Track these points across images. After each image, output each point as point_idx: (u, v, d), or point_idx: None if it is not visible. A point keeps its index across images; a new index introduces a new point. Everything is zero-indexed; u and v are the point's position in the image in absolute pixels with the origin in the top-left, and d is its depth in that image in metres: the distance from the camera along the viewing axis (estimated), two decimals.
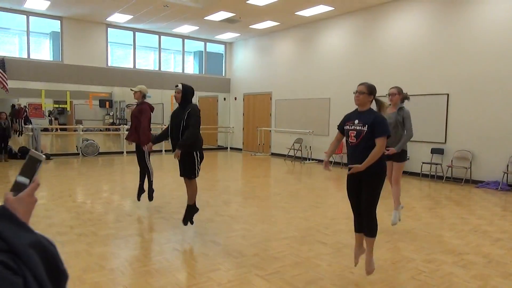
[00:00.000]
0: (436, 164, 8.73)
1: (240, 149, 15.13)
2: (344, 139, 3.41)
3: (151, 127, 5.70)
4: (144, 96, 5.68)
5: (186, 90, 4.30)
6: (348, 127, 3.25)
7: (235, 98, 15.33)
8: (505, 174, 7.76)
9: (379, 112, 3.30)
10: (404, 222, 5.08)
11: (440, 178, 8.82)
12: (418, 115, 9.06)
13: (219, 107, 15.90)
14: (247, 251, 4.00)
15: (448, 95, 8.71)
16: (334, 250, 4.08)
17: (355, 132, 3.17)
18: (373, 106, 3.41)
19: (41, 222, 4.89)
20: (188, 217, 4.57)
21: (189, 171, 4.35)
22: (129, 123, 6.11)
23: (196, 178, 4.47)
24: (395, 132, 4.56)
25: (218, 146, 16.00)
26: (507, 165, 7.78)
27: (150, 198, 5.80)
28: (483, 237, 4.62)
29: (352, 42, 10.80)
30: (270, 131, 13.67)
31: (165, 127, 4.59)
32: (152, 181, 5.81)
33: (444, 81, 8.79)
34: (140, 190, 5.83)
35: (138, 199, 5.85)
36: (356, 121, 3.20)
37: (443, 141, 8.84)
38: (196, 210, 4.63)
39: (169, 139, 4.46)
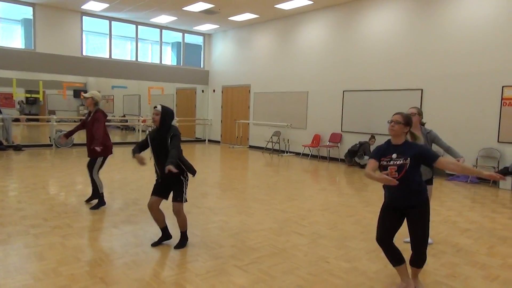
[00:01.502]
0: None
1: (218, 142, 15.10)
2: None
3: (108, 135, 5.33)
4: (96, 103, 5.22)
5: (165, 113, 3.88)
6: (385, 162, 2.97)
7: (214, 91, 15.25)
8: (474, 168, 8.06)
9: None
10: (377, 214, 5.21)
11: None
12: (393, 110, 9.24)
13: (197, 99, 15.79)
14: (225, 242, 4.03)
15: (422, 90, 8.94)
16: (310, 241, 4.16)
17: (396, 167, 2.91)
18: None
19: (13, 215, 4.77)
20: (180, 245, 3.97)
21: (179, 193, 3.93)
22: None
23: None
24: None
25: (196, 138, 15.92)
26: (477, 159, 8.08)
27: (96, 207, 5.23)
28: (452, 228, 4.80)
29: (330, 37, 10.91)
30: (248, 123, 13.69)
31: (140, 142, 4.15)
32: (102, 192, 5.30)
33: (418, 77, 9.01)
34: (100, 202, 5.31)
35: (96, 207, 5.25)
36: (395, 155, 2.93)
37: None
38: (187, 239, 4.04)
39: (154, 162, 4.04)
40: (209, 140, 15.40)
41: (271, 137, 12.36)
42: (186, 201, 3.95)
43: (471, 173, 2.84)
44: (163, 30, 14.26)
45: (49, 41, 11.91)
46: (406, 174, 2.87)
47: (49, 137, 12.28)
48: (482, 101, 8.03)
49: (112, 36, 13.27)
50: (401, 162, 2.89)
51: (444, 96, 8.60)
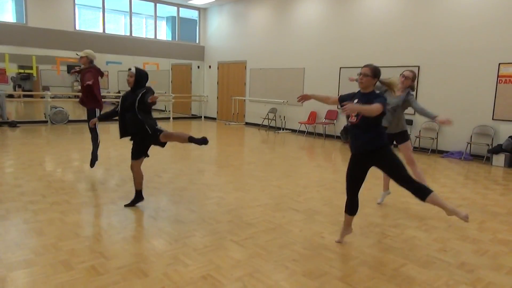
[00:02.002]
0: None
1: (215, 118, 15.07)
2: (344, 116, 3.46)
3: (101, 93, 5.52)
4: (91, 61, 5.43)
5: (139, 74, 4.06)
6: None
7: (210, 67, 15.10)
8: (469, 145, 8.14)
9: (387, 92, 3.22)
10: (372, 190, 5.30)
11: None
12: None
13: (193, 75, 15.64)
14: (222, 218, 4.09)
15: (419, 67, 8.90)
16: (306, 217, 4.24)
17: (354, 117, 3.17)
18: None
19: (11, 191, 4.80)
20: (132, 203, 4.36)
21: (135, 152, 4.19)
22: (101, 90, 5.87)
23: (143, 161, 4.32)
24: (395, 113, 4.44)
25: (192, 115, 15.86)
26: (471, 136, 8.15)
27: (92, 164, 5.63)
28: None
29: (327, 12, 10.75)
30: (244, 100, 13.64)
31: (114, 106, 4.36)
32: (98, 145, 5.63)
33: (415, 54, 8.96)
34: (94, 157, 5.62)
35: (92, 166, 5.66)
36: (356, 101, 3.19)
37: (412, 112, 9.11)
38: (141, 198, 4.40)
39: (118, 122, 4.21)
40: (205, 117, 15.36)
41: (267, 114, 12.35)
42: (147, 155, 4.27)
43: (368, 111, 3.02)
44: (157, 4, 13.97)
45: (41, 15, 11.65)
46: (362, 118, 3.11)
47: (44, 114, 12.19)
48: (478, 78, 8.04)
49: (106, 10, 12.99)
50: None
51: (441, 73, 8.59)
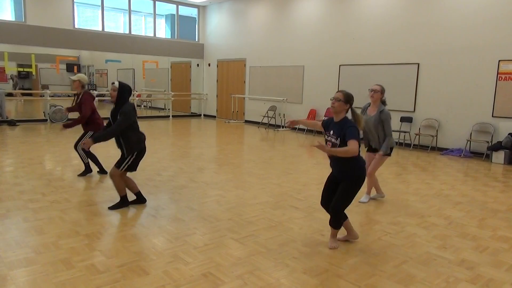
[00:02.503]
0: (405, 132, 9.03)
1: (214, 116, 15.06)
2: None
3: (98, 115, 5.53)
4: (83, 86, 5.42)
5: (122, 88, 4.09)
6: (326, 137, 3.34)
7: (209, 64, 15.08)
8: (468, 142, 8.15)
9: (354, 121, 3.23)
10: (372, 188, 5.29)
11: (408, 145, 9.15)
12: (389, 84, 9.25)
13: (192, 73, 15.61)
14: (222, 216, 4.09)
15: (418, 64, 8.90)
16: (305, 214, 4.24)
17: (331, 144, 3.26)
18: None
19: (11, 190, 4.80)
20: (116, 206, 4.28)
21: (120, 161, 4.16)
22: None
23: (126, 173, 4.25)
24: (376, 131, 4.46)
25: (192, 113, 15.85)
26: (470, 134, 8.15)
27: (82, 174, 5.62)
28: (445, 201, 4.90)
29: (327, 10, 10.73)
30: (244, 98, 13.62)
31: (106, 125, 4.40)
32: (87, 162, 5.61)
33: (415, 51, 8.95)
34: (87, 170, 5.64)
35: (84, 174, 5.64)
36: (331, 132, 3.26)
37: (412, 109, 9.11)
38: (127, 203, 4.32)
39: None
40: (204, 115, 15.35)
41: (267, 112, 12.34)
42: (123, 169, 4.15)
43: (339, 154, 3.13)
44: (156, 2, 13.94)
45: (40, 13, 11.62)
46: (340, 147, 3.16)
47: (43, 112, 12.18)
48: (478, 76, 8.03)
49: (104, 8, 12.96)
50: (334, 141, 3.22)
51: (441, 70, 8.58)
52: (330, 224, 3.37)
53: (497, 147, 7.60)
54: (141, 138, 4.22)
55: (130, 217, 4.03)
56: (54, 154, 7.14)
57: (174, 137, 9.94)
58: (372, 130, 4.51)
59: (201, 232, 3.64)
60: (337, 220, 3.32)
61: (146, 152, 4.33)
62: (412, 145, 9.04)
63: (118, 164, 4.15)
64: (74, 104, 5.54)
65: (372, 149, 4.67)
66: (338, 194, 3.26)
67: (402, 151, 8.73)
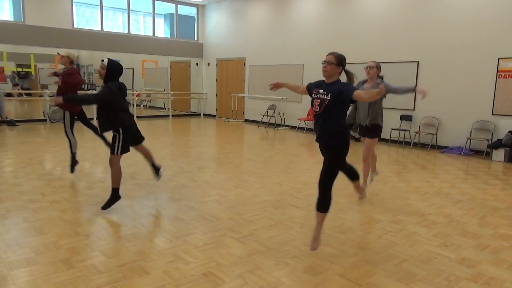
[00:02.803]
0: (405, 130, 9.03)
1: (214, 116, 15.05)
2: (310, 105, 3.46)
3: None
4: (72, 62, 5.29)
5: (111, 66, 3.94)
6: (313, 95, 3.20)
7: (208, 64, 15.06)
8: (468, 140, 8.14)
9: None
10: (372, 186, 5.30)
11: (408, 144, 9.14)
12: (390, 81, 9.23)
13: (192, 73, 15.60)
14: (222, 215, 4.09)
15: (418, 63, 8.89)
16: (306, 213, 4.23)
17: (319, 100, 3.11)
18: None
19: (11, 190, 4.79)
20: (109, 204, 4.16)
21: (111, 146, 4.08)
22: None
23: (120, 160, 4.15)
24: (374, 104, 4.50)
25: (191, 112, 15.83)
26: (470, 131, 8.15)
27: (71, 170, 5.45)
28: (445, 199, 4.90)
29: (326, 8, 10.72)
30: (243, 97, 13.61)
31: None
32: (75, 152, 5.42)
33: (414, 49, 8.94)
34: (73, 161, 5.46)
35: (72, 171, 5.46)
36: (321, 90, 3.13)
37: (411, 108, 9.11)
38: (118, 197, 4.21)
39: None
40: (204, 114, 15.33)
41: (267, 111, 12.33)
42: (118, 154, 4.06)
43: (375, 95, 2.83)
44: (155, 1, 13.91)
45: (38, 13, 11.60)
46: (325, 109, 3.06)
47: (43, 112, 12.16)
48: (478, 73, 8.02)
49: (103, 7, 12.93)
50: (323, 96, 3.08)
51: (440, 68, 8.57)
52: (317, 208, 3.16)
53: (497, 145, 7.60)
54: (128, 117, 4.07)
55: (130, 217, 4.02)
56: (54, 154, 7.13)
57: (174, 137, 9.93)
58: (367, 104, 4.51)
59: (202, 232, 3.64)
60: (326, 200, 3.12)
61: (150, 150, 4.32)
62: (412, 144, 9.04)
63: (112, 150, 4.06)
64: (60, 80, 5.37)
65: (363, 133, 4.71)
66: (324, 167, 3.11)
67: (402, 149, 8.72)
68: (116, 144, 4.02)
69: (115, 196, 4.19)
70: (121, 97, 4.04)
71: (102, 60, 3.96)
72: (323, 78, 3.24)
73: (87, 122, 5.62)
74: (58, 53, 5.42)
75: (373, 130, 4.61)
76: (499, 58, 7.71)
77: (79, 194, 4.74)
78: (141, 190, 4.96)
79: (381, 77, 4.62)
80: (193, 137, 10.00)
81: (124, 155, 4.14)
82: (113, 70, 3.96)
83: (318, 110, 3.12)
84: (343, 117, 3.14)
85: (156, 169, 4.73)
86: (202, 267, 2.95)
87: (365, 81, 4.68)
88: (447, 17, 8.39)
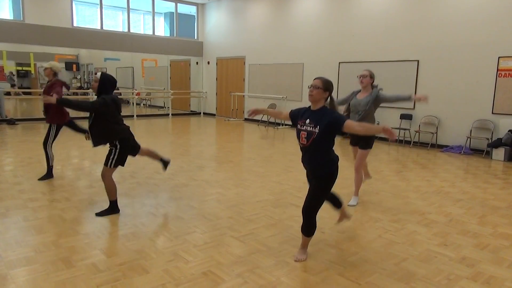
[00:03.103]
0: (405, 129, 9.02)
1: (214, 114, 15.04)
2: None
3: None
4: (55, 73, 5.22)
5: (104, 79, 3.89)
6: (299, 126, 2.99)
7: (208, 63, 15.05)
8: (468, 139, 8.14)
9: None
10: (372, 185, 5.30)
11: (408, 143, 9.14)
12: (389, 81, 9.24)
13: (192, 72, 15.59)
14: (222, 214, 4.09)
15: (418, 61, 8.88)
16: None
17: (306, 133, 2.93)
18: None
19: (11, 189, 4.79)
20: (104, 213, 4.04)
21: (106, 158, 3.98)
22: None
23: (113, 173, 4.04)
24: (369, 113, 4.37)
25: (191, 111, 15.83)
26: (470, 130, 8.15)
27: (42, 179, 5.25)
28: (445, 198, 4.89)
29: (326, 7, 10.70)
30: (243, 96, 13.61)
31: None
32: (52, 166, 5.32)
33: (414, 48, 8.93)
34: (49, 174, 5.33)
35: (42, 179, 5.27)
36: (308, 121, 2.92)
37: (411, 107, 9.10)
38: (116, 211, 4.08)
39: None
40: (204, 113, 15.33)
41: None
42: (111, 166, 3.94)
43: (372, 132, 2.90)
44: (155, 0, 13.89)
45: (38, 11, 11.58)
46: (314, 142, 2.90)
47: (43, 111, 12.14)
48: (478, 72, 8.02)
49: (103, 6, 12.92)
50: (311, 129, 2.90)
51: (440, 67, 8.56)
52: (301, 231, 3.07)
53: (497, 144, 7.59)
54: (123, 129, 4.00)
55: (130, 216, 4.02)
56: (54, 153, 7.11)
57: (174, 136, 9.93)
58: (361, 113, 4.35)
59: (201, 231, 3.64)
60: (310, 225, 3.01)
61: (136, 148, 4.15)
62: (412, 143, 9.03)
63: (106, 161, 3.95)
64: (43, 89, 5.28)
65: (355, 143, 4.57)
66: (309, 193, 3.00)
67: (402, 148, 8.72)
68: (111, 157, 3.93)
69: (113, 208, 4.06)
70: (115, 110, 3.95)
71: (95, 74, 3.96)
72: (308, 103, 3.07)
73: (76, 127, 5.50)
74: (42, 66, 5.27)
75: (366, 141, 4.42)
76: (499, 57, 7.70)
77: (79, 193, 4.74)
78: (141, 189, 4.95)
79: (375, 86, 4.43)
80: (193, 136, 10.00)
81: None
82: (105, 83, 3.90)
83: (305, 143, 2.94)
84: (331, 146, 2.99)
85: (165, 163, 4.69)
86: (202, 266, 2.94)
87: (358, 91, 4.50)
88: (447, 16, 8.37)
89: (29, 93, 15.18)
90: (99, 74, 3.92)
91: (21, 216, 3.88)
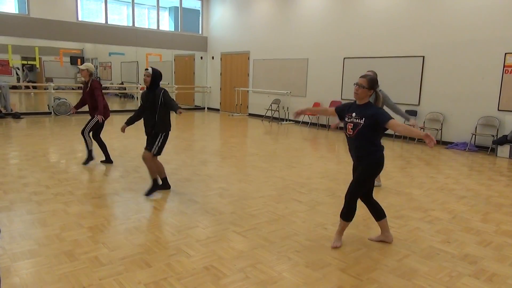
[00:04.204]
0: (409, 125, 8.96)
1: (218, 110, 15.04)
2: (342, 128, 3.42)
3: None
4: (91, 74, 5.64)
5: (155, 74, 4.38)
6: (347, 119, 3.22)
7: (213, 57, 15.02)
8: (473, 136, 8.08)
9: (375, 104, 3.21)
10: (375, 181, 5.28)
11: (412, 139, 9.10)
12: (394, 76, 9.19)
13: (196, 66, 15.58)
14: (224, 209, 4.10)
15: (423, 57, 8.81)
16: (308, 208, 4.23)
17: (352, 124, 3.15)
18: None
19: (15, 182, 4.82)
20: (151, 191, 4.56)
21: (151, 143, 4.46)
22: (103, 81, 6.02)
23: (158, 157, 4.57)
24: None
25: (195, 106, 15.83)
26: (476, 127, 8.09)
27: (85, 162, 5.88)
28: (449, 195, 4.87)
29: (332, 3, 10.63)
30: (247, 91, 13.59)
31: (138, 109, 4.67)
32: (91, 149, 5.87)
33: (420, 44, 8.86)
34: (89, 157, 5.91)
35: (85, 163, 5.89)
36: (354, 114, 3.15)
37: (416, 103, 9.05)
38: (167, 187, 4.70)
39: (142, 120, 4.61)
40: (208, 108, 15.33)
41: (271, 105, 12.30)
42: (155, 154, 4.45)
43: (413, 135, 3.02)
44: None
45: (43, 6, 11.60)
46: (359, 132, 3.10)
47: (48, 105, 12.21)
48: (484, 69, 7.95)
49: (108, 0, 12.90)
50: (357, 121, 3.12)
51: (446, 63, 8.49)
52: (341, 216, 3.23)
53: (502, 141, 7.54)
54: (170, 120, 4.52)
55: (133, 210, 4.04)
56: (58, 147, 7.16)
57: (178, 130, 9.94)
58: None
59: (204, 225, 3.65)
60: (350, 209, 3.17)
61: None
62: (416, 139, 8.99)
63: (149, 147, 4.41)
64: (83, 93, 5.73)
65: None
66: (353, 179, 3.20)
67: (406, 144, 8.68)
68: (156, 144, 4.41)
69: (155, 184, 4.52)
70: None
71: (147, 69, 4.38)
72: (353, 99, 3.28)
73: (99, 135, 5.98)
74: (78, 67, 5.86)
75: None
76: (506, 53, 7.62)
77: (83, 186, 4.76)
78: (144, 183, 4.97)
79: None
80: (197, 131, 10.01)
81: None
82: (157, 77, 4.38)
83: (352, 133, 3.15)
84: (376, 138, 3.16)
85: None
86: (204, 260, 2.95)
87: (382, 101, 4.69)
88: (453, 11, 8.29)
89: (35, 87, 15.23)
90: (150, 69, 4.37)
91: (25, 210, 3.91)
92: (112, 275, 2.69)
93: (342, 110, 3.32)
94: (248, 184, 5.07)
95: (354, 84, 3.22)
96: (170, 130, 4.50)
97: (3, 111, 11.00)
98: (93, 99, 5.61)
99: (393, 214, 4.11)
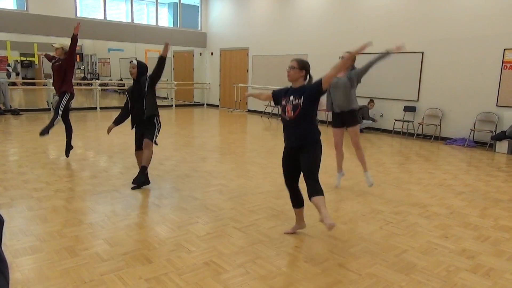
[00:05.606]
0: (408, 121, 9.00)
1: (217, 106, 15.04)
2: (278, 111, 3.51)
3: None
4: (66, 52, 5.69)
5: (141, 66, 4.52)
6: (284, 102, 3.24)
7: (212, 53, 15.00)
8: (472, 132, 8.11)
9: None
10: (374, 177, 5.30)
11: (411, 135, 9.12)
12: (393, 73, 9.20)
13: (195, 63, 15.56)
14: (224, 205, 4.12)
15: (422, 53, 8.82)
16: (308, 204, 4.24)
17: (291, 105, 3.16)
18: None
19: (16, 179, 4.84)
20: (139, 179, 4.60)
21: (151, 133, 4.60)
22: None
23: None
24: (345, 94, 4.60)
25: (194, 102, 15.83)
26: (474, 123, 8.11)
27: (66, 154, 6.00)
28: (447, 191, 4.90)
29: None
30: (247, 87, 13.58)
31: (123, 106, 4.75)
32: (53, 125, 5.84)
33: (419, 40, 8.86)
34: (68, 146, 6.01)
35: (67, 155, 6.01)
36: (292, 97, 3.18)
37: (415, 99, 9.06)
38: (146, 179, 4.70)
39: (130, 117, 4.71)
40: (207, 104, 15.33)
41: (270, 101, 12.29)
42: (156, 143, 4.64)
43: (351, 58, 3.11)
44: None
45: (41, 2, 11.56)
46: (300, 113, 3.13)
47: (46, 101, 12.20)
48: (483, 65, 7.96)
49: None
50: (296, 102, 3.15)
51: (445, 59, 8.50)
52: (313, 194, 3.01)
53: (501, 136, 7.57)
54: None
55: (133, 206, 4.06)
56: (58, 144, 7.17)
57: (177, 127, 9.95)
58: (341, 91, 4.62)
59: (204, 221, 3.67)
60: (318, 187, 3.07)
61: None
62: (415, 135, 9.01)
63: (150, 136, 4.53)
64: (53, 69, 5.77)
65: (338, 124, 4.84)
66: (307, 160, 3.15)
67: (405, 140, 8.71)
68: (156, 130, 4.60)
69: (143, 173, 4.58)
70: None
71: (131, 61, 4.51)
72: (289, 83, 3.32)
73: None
74: (52, 45, 5.81)
75: (351, 116, 4.70)
76: (504, 49, 7.64)
77: (83, 183, 4.78)
78: None
79: (354, 68, 4.70)
80: (196, 127, 10.02)
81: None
82: (142, 69, 4.52)
83: (292, 115, 3.16)
84: (315, 118, 3.23)
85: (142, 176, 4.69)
86: (204, 256, 2.98)
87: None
88: (452, 7, 8.29)
89: (33, 84, 15.21)
90: (135, 61, 4.50)
91: (26, 206, 3.93)
92: (113, 271, 2.72)
93: (278, 94, 3.38)
94: (248, 180, 5.09)
95: (286, 69, 3.27)
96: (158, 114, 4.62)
97: (3, 107, 11.00)
98: (63, 74, 5.68)
99: (391, 210, 4.14)
